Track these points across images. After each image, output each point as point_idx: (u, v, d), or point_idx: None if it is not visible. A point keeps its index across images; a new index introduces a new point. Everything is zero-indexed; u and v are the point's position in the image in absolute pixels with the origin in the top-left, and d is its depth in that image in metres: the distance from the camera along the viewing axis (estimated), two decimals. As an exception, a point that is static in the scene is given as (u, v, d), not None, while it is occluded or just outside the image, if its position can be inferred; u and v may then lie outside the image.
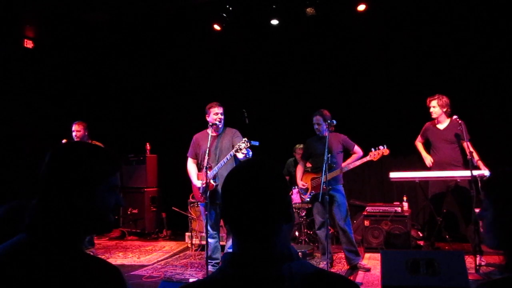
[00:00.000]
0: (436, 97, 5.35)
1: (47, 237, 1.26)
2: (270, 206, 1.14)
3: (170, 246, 7.01)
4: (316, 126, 5.25)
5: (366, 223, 6.17)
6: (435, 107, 5.34)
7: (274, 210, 1.15)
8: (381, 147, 5.04)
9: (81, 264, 1.23)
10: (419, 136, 5.71)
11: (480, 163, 4.98)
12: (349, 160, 5.27)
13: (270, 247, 1.12)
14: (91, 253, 4.42)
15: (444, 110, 5.34)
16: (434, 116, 5.41)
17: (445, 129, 5.42)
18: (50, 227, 1.27)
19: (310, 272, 1.11)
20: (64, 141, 5.78)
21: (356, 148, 5.34)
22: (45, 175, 1.34)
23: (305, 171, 5.68)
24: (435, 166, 5.41)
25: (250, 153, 4.68)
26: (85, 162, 1.34)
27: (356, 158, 5.22)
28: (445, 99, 5.32)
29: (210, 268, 4.85)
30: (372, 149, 5.06)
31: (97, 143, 6.35)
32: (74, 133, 6.12)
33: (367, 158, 5.08)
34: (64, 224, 1.28)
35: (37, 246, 1.24)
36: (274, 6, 6.90)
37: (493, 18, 6.43)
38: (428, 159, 5.50)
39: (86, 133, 6.14)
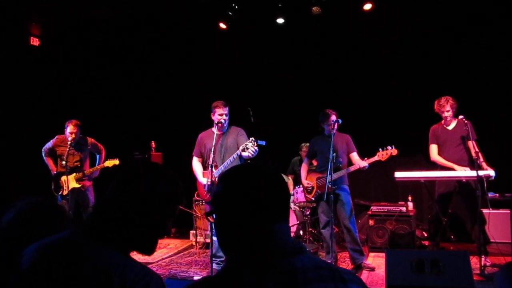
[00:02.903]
0: (446, 100, 5.30)
1: (101, 239, 1.34)
2: (286, 196, 1.23)
3: (174, 244, 7.03)
4: (331, 124, 5.15)
5: (371, 222, 6.16)
6: (449, 110, 5.31)
7: (287, 199, 1.24)
8: (389, 147, 5.02)
9: (125, 269, 1.28)
10: (434, 145, 5.49)
11: (484, 164, 4.96)
12: (351, 168, 5.24)
13: (283, 240, 1.15)
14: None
15: (454, 111, 5.32)
16: (448, 119, 5.38)
17: (453, 129, 5.40)
18: (109, 231, 1.36)
19: (321, 265, 1.13)
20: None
21: (355, 155, 5.32)
22: (115, 185, 1.43)
23: (311, 170, 5.69)
24: (442, 166, 5.38)
25: (255, 151, 4.67)
26: (164, 184, 1.46)
27: (354, 168, 5.19)
28: (452, 100, 5.31)
29: (214, 266, 4.85)
30: (380, 149, 5.05)
31: (91, 139, 6.35)
32: (71, 135, 5.92)
33: (375, 158, 5.06)
34: (120, 232, 1.36)
35: (89, 244, 1.32)
36: (280, 5, 6.90)
37: (499, 16, 6.40)
38: (455, 166, 5.23)
39: (79, 131, 6.11)
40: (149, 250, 1.45)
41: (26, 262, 1.32)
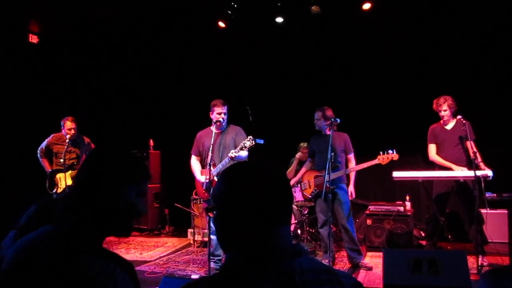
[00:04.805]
0: (444, 100, 5.31)
1: (73, 230, 1.36)
2: (290, 199, 1.22)
3: (172, 242, 7.03)
4: (315, 121, 5.33)
5: (369, 222, 6.17)
6: (446, 110, 5.31)
7: (290, 202, 1.23)
8: (390, 152, 4.99)
9: (100, 257, 1.31)
10: (432, 145, 5.49)
11: (482, 164, 4.96)
12: (349, 169, 5.25)
13: (284, 242, 1.14)
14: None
15: (452, 111, 5.32)
16: (445, 118, 5.38)
17: (452, 129, 5.40)
18: (77, 220, 1.37)
19: (319, 268, 1.13)
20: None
21: (351, 157, 5.37)
22: (80, 172, 1.48)
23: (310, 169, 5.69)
24: (440, 166, 5.39)
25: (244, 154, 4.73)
26: (118, 162, 1.46)
27: (352, 171, 5.21)
28: (451, 100, 5.31)
29: (212, 264, 4.85)
30: (381, 152, 5.03)
31: (88, 139, 6.35)
32: (69, 132, 5.96)
33: (375, 161, 5.05)
34: (89, 219, 1.38)
35: (63, 238, 1.34)
36: (279, 4, 6.89)
37: (499, 15, 6.41)
38: (453, 166, 5.23)
39: (77, 127, 6.09)
40: (124, 232, 1.46)
41: (5, 262, 1.36)
